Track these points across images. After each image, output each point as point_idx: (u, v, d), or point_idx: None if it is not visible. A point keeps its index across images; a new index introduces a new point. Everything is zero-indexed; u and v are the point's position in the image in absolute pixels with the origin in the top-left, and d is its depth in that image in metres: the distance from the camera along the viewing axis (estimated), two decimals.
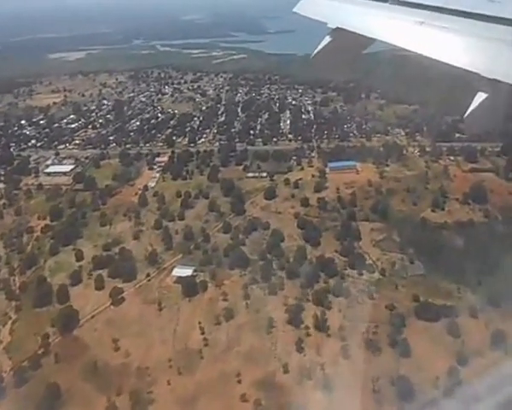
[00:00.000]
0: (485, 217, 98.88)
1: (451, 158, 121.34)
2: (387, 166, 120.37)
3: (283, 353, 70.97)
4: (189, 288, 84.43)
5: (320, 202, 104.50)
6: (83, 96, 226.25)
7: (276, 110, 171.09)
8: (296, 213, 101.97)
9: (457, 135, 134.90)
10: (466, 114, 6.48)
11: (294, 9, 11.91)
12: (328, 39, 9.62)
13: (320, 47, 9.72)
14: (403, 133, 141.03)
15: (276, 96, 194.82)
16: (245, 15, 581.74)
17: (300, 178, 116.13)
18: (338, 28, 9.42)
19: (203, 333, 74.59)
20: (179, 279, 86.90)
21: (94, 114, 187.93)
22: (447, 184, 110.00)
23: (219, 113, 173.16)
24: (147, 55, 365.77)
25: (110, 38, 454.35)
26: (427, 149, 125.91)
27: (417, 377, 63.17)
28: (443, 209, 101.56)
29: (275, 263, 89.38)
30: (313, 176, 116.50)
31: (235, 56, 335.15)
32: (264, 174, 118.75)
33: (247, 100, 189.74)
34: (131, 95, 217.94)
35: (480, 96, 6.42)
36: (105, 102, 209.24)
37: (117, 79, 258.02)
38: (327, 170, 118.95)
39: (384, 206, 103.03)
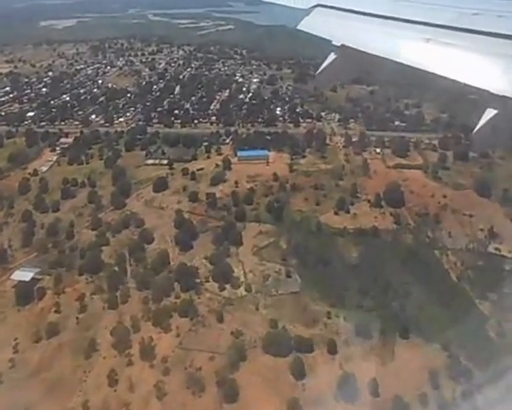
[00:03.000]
0: (394, 223, 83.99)
1: (378, 151, 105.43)
2: (304, 157, 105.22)
3: (92, 385, 58.65)
4: (25, 295, 72.00)
5: (210, 198, 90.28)
6: (33, 67, 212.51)
7: (216, 88, 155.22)
8: (179, 210, 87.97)
9: (396, 123, 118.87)
10: (474, 131, 6.32)
11: (299, 27, 11.63)
12: (332, 56, 9.58)
13: (325, 64, 9.67)
14: (337, 119, 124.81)
15: (226, 72, 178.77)
16: None
17: (202, 168, 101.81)
18: (343, 45, 9.29)
19: (16, 352, 62.56)
20: (18, 284, 74.27)
21: (29, 88, 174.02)
22: (362, 182, 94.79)
23: (155, 89, 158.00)
24: (134, 24, 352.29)
25: (106, 7, 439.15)
26: (354, 139, 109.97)
27: None
28: (348, 212, 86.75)
29: (130, 270, 76.21)
30: (217, 166, 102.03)
31: (222, 27, 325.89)
32: (165, 162, 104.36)
33: (193, 76, 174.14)
34: (81, 67, 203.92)
35: (490, 113, 6.39)
36: (50, 73, 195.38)
37: (77, 50, 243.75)
38: (235, 159, 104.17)
39: (282, 205, 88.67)
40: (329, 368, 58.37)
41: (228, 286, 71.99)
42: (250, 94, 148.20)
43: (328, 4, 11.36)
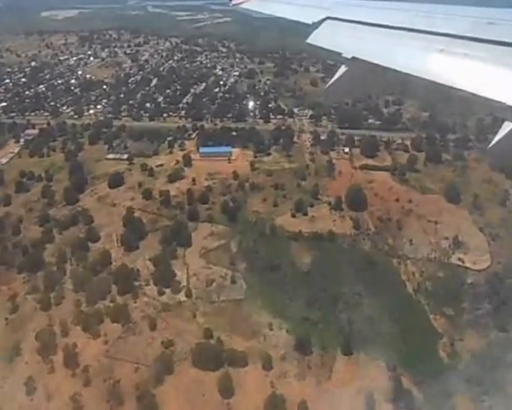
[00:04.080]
0: (353, 228, 79.41)
1: (346, 150, 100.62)
2: (269, 154, 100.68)
3: (8, 393, 55.40)
4: None
5: (164, 196, 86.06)
6: (18, 56, 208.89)
7: (192, 81, 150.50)
8: (130, 208, 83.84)
9: (370, 121, 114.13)
10: (491, 144, 6.11)
11: (308, 40, 11.33)
12: (343, 69, 9.41)
13: (335, 77, 9.49)
14: (310, 115, 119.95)
15: (207, 65, 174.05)
16: None
17: (162, 164, 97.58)
18: (353, 58, 9.14)
19: None
20: None
21: (8, 78, 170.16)
22: (325, 183, 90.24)
23: (131, 81, 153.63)
24: (132, 15, 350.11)
25: None
26: (323, 138, 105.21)
27: None
28: (306, 215, 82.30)
29: (70, 269, 72.33)
30: (177, 162, 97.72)
31: (219, 20, 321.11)
32: (125, 156, 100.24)
33: (173, 68, 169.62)
34: (65, 57, 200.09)
35: (508, 126, 6.21)
36: (32, 63, 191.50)
37: (66, 40, 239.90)
38: (197, 156, 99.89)
39: (238, 205, 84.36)
40: (260, 386, 54.32)
41: (168, 291, 68.01)
42: (226, 88, 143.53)
43: (339, 17, 11.24)
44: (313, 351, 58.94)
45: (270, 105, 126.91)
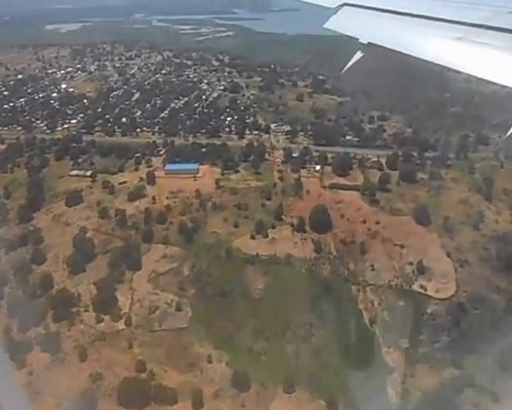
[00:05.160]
0: (314, 251, 74.81)
1: (317, 168, 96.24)
2: (237, 172, 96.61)
3: None
4: None
5: (120, 215, 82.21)
6: (7, 70, 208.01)
7: (174, 96, 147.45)
8: (83, 228, 80.00)
9: (348, 137, 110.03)
10: (507, 135, 6.09)
11: (325, 25, 11.73)
12: (359, 55, 9.49)
13: (351, 62, 9.60)
14: (287, 130, 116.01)
15: (194, 79, 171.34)
16: None
17: (125, 181, 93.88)
18: (370, 43, 9.27)
19: None
20: None
21: None
22: (291, 203, 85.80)
23: (113, 95, 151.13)
24: (135, 29, 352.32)
25: (113, 11, 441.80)
26: (296, 155, 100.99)
27: None
28: (266, 236, 77.82)
29: (7, 293, 68.39)
30: (141, 179, 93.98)
31: (221, 34, 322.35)
32: (89, 173, 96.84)
33: (158, 82, 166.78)
34: (52, 71, 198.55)
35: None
36: (19, 76, 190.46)
37: (58, 53, 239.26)
38: (162, 173, 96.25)
39: (196, 226, 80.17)
40: None
41: (107, 318, 63.66)
42: (207, 102, 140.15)
43: (356, 3, 11.36)
44: (251, 387, 54.19)
45: (247, 120, 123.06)
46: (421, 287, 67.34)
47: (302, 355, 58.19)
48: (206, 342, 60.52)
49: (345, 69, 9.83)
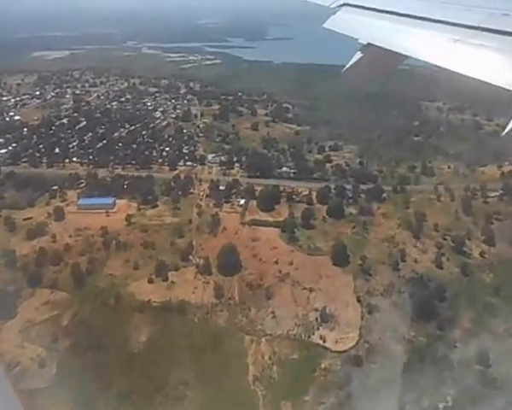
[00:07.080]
0: (215, 297, 67.51)
1: (241, 202, 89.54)
2: (155, 207, 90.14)
3: None
4: None
5: (11, 256, 75.12)
6: None
7: (120, 124, 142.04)
8: None
9: (284, 169, 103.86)
10: (505, 131, 5.75)
11: (324, 25, 11.65)
12: (359, 55, 9.61)
13: (351, 62, 9.72)
14: (223, 161, 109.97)
15: (150, 107, 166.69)
16: (257, 21, 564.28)
17: (30, 217, 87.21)
18: (369, 44, 9.34)
19: None
20: None
21: None
22: (203, 242, 79.09)
23: (58, 124, 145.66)
24: (123, 56, 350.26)
25: (106, 39, 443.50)
26: (222, 188, 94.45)
27: None
28: (166, 280, 70.57)
29: None
30: (48, 215, 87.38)
31: (208, 62, 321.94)
32: None
33: (110, 110, 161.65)
34: (8, 97, 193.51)
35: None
36: None
37: (23, 80, 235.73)
38: (74, 208, 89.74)
39: (92, 268, 73.08)
40: None
41: None
42: (151, 132, 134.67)
43: (356, 4, 11.41)
44: None
45: (185, 151, 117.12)
46: (321, 337, 59.90)
47: None
48: (60, 407, 52.42)
49: (345, 68, 9.77)
